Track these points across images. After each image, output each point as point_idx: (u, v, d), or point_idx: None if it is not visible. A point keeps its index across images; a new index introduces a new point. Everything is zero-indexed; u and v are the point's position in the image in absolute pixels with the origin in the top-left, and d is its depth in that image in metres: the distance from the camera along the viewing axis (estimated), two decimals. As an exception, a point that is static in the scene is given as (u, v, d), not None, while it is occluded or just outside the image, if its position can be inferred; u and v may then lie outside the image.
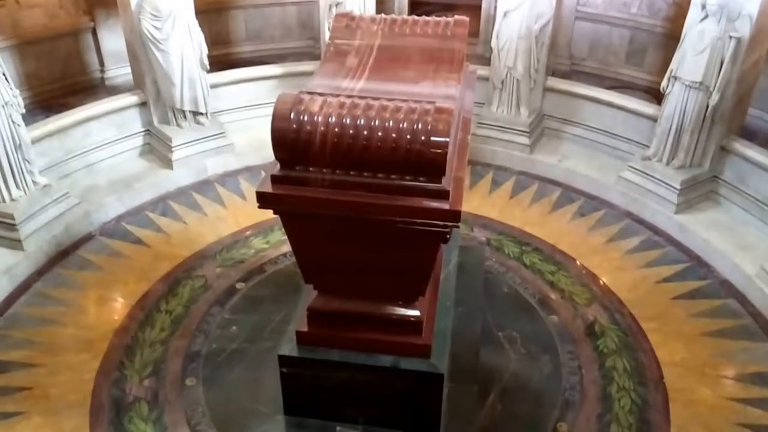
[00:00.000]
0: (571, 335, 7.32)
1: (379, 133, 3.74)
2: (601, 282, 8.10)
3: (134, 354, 6.94)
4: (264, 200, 3.98)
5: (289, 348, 4.93)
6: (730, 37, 8.14)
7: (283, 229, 4.23)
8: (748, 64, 8.49)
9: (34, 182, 8.24)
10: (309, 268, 4.55)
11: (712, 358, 7.08)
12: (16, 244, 7.99)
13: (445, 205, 3.84)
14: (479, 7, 12.71)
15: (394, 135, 3.72)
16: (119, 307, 7.59)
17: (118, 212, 9.04)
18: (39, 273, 8.03)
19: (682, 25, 8.64)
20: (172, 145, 9.58)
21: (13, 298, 7.67)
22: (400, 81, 4.57)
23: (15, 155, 7.89)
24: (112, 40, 11.40)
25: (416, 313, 4.69)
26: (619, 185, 9.48)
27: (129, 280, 7.92)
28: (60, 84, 11.11)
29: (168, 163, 9.64)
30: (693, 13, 8.43)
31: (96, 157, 9.55)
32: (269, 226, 8.60)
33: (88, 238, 8.62)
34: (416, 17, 5.50)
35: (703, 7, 8.20)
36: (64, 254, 8.34)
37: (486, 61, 10.38)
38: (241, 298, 7.68)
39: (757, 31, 8.21)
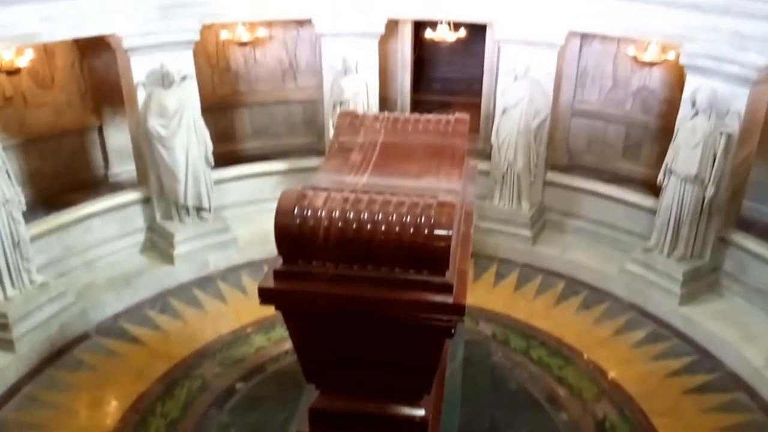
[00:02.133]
0: (582, 433, 7.16)
1: (383, 227, 3.72)
2: (610, 376, 8.01)
3: (127, 461, 6.76)
4: (266, 296, 3.92)
5: (291, 450, 4.79)
6: (721, 133, 8.32)
7: (284, 326, 4.16)
8: (740, 158, 8.66)
9: (30, 280, 8.20)
10: (311, 366, 4.45)
11: (725, 456, 6.92)
12: (8, 345, 7.89)
13: (449, 299, 3.78)
14: (479, 104, 12.95)
15: (397, 228, 3.70)
16: (112, 410, 7.42)
17: (116, 310, 8.97)
18: (30, 375, 7.88)
19: (675, 121, 8.85)
20: (175, 240, 9.60)
21: (1, 402, 7.49)
22: (403, 176, 4.58)
23: (13, 253, 7.88)
24: (118, 138, 11.55)
25: (421, 412, 4.55)
26: (623, 277, 9.48)
27: (124, 381, 7.77)
28: (63, 181, 11.18)
29: (169, 259, 9.63)
30: (684, 110, 8.66)
31: (96, 254, 9.54)
32: (271, 323, 8.50)
33: (83, 337, 8.51)
34: (418, 115, 5.56)
35: (693, 104, 8.42)
36: (58, 355, 8.21)
37: (486, 156, 10.52)
38: (240, 399, 7.54)
39: (746, 127, 8.41)
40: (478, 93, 13.14)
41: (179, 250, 9.63)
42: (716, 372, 8.12)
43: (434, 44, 15.36)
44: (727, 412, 7.49)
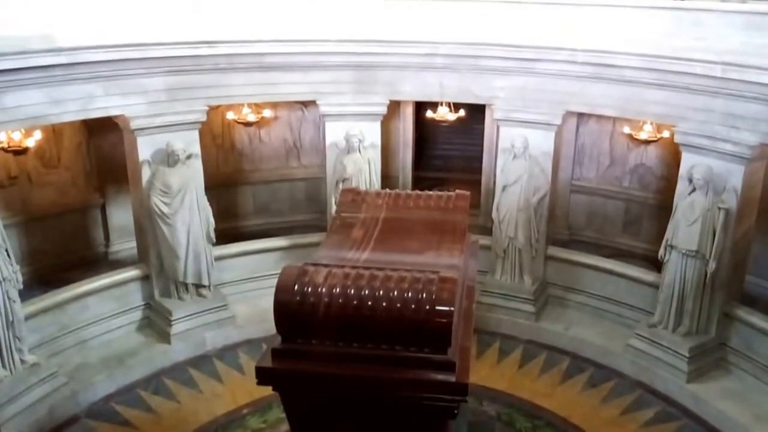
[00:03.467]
0: None
1: (384, 303, 3.69)
2: (620, 459, 7.78)
3: None
4: (264, 376, 3.86)
5: None
6: (719, 209, 8.36)
7: (281, 407, 4.08)
8: (739, 233, 8.69)
9: (22, 360, 8.06)
10: (309, 449, 4.35)
11: None
12: (-7, 430, 7.69)
13: (452, 378, 3.73)
14: (479, 181, 13.05)
15: (398, 304, 3.68)
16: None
17: (108, 391, 8.77)
18: (14, 462, 7.64)
19: (673, 197, 8.92)
20: (172, 318, 9.51)
21: (-20, 495, 7.28)
22: (405, 252, 4.59)
23: (6, 333, 7.78)
24: (120, 215, 11.61)
25: (425, 496, 4.44)
26: (628, 353, 9.37)
27: (110, 469, 7.56)
28: (63, 259, 11.19)
29: (166, 338, 9.53)
30: (681, 187, 8.74)
31: (91, 333, 9.43)
32: (267, 403, 8.30)
33: (73, 420, 8.28)
34: (419, 192, 5.60)
35: (690, 180, 8.48)
36: (45, 439, 7.97)
37: (487, 231, 10.54)
38: (234, 484, 7.32)
39: (744, 202, 8.48)
40: (478, 170, 13.28)
41: (176, 328, 9.53)
42: (727, 452, 7.94)
43: (435, 123, 15.56)
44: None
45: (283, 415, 4.11)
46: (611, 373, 9.32)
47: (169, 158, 9.03)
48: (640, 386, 9.05)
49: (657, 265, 9.51)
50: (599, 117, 11.78)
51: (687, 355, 8.80)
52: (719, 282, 8.73)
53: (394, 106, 12.25)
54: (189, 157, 9.14)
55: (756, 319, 8.84)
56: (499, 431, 8.07)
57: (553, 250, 10.73)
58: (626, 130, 11.49)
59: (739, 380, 8.89)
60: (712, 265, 8.52)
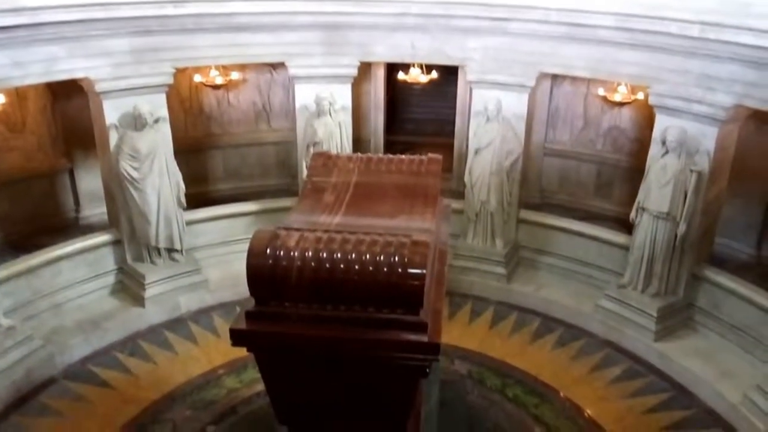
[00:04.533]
0: (559, 472, 7.11)
1: (356, 267, 3.70)
2: (587, 414, 7.99)
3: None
4: (238, 337, 3.87)
5: (263, 494, 4.68)
6: (691, 171, 8.43)
7: (256, 367, 4.11)
8: (710, 196, 8.77)
9: (-3, 323, 8.03)
10: (284, 408, 4.38)
11: (703, 492, 6.90)
12: (-30, 393, 7.69)
13: (424, 338, 3.76)
14: (451, 145, 13.05)
15: (371, 268, 3.69)
16: (80, 457, 7.24)
17: (85, 354, 8.80)
18: (-7, 423, 7.66)
19: (645, 159, 8.97)
20: (146, 282, 9.50)
21: (-35, 450, 7.30)
22: (377, 216, 4.59)
23: (-21, 298, 7.74)
24: (89, 181, 11.49)
25: (397, 453, 4.51)
26: (597, 314, 9.52)
27: (91, 427, 7.60)
28: (33, 224, 11.06)
29: (140, 301, 9.52)
30: (654, 149, 8.78)
31: (65, 297, 9.40)
32: (243, 364, 8.39)
33: (50, 382, 8.32)
34: (391, 155, 5.59)
35: (663, 143, 8.52)
36: (23, 400, 8.00)
37: (460, 195, 10.57)
38: (211, 442, 7.39)
39: (716, 165, 8.54)
40: (451, 133, 13.27)
41: (150, 292, 9.52)
42: (693, 408, 8.13)
43: (407, 86, 15.51)
44: (704, 449, 7.48)
45: (259, 375, 4.12)
46: (580, 333, 9.48)
47: (136, 122, 8.91)
48: (608, 345, 9.22)
49: (628, 228, 9.61)
50: (573, 79, 11.79)
51: (655, 315, 8.96)
52: (689, 244, 8.85)
53: (366, 68, 12.18)
54: (157, 120, 9.04)
55: (723, 279, 9.00)
56: (470, 389, 8.17)
57: (525, 214, 10.79)
58: (600, 92, 11.51)
59: (705, 339, 9.08)
60: (682, 228, 8.63)
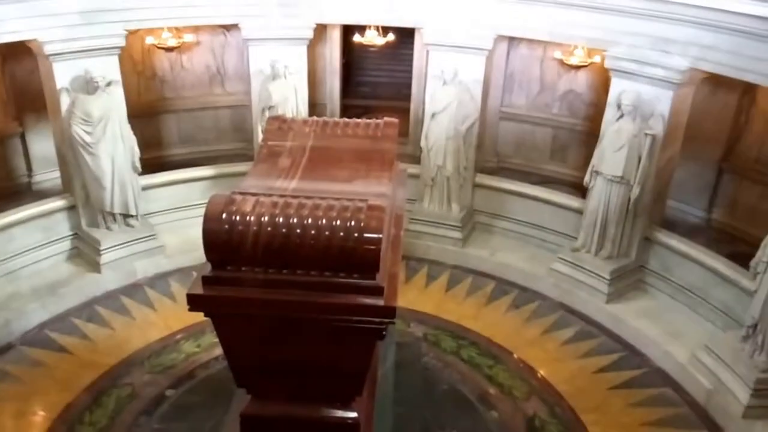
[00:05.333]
0: (512, 431, 7.27)
1: (312, 231, 3.71)
2: (539, 375, 8.14)
3: (55, 472, 6.57)
4: (195, 302, 3.86)
5: (222, 456, 4.72)
6: (646, 135, 8.52)
7: (214, 332, 4.12)
8: (664, 159, 8.89)
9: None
10: (242, 372, 4.40)
11: (652, 449, 7.09)
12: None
13: (380, 302, 3.80)
14: (408, 109, 13.02)
15: (327, 233, 3.70)
16: (39, 420, 7.21)
17: (41, 319, 8.72)
18: (-49, 389, 7.60)
19: (600, 124, 9.04)
20: (101, 248, 9.40)
21: None
22: (333, 180, 4.59)
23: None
24: (41, 145, 11.24)
25: (353, 414, 4.52)
26: (551, 277, 9.66)
27: (50, 391, 7.56)
28: (-17, 190, 10.86)
29: (96, 267, 9.44)
30: (609, 113, 8.85)
31: (19, 263, 9.27)
32: (200, 329, 8.39)
33: (7, 348, 8.25)
34: (347, 119, 5.56)
35: (619, 107, 8.60)
36: (-19, 366, 7.93)
37: (416, 159, 10.59)
38: (170, 406, 7.42)
39: (670, 129, 8.64)
40: (407, 97, 13.22)
41: (106, 257, 9.44)
42: (643, 368, 8.32)
43: (363, 49, 15.42)
44: (653, 407, 7.68)
45: (216, 339, 4.14)
46: (534, 296, 9.63)
47: (88, 85, 8.76)
48: (561, 307, 9.39)
49: (582, 192, 9.73)
50: (530, 42, 11.80)
51: (607, 277, 9.13)
52: (642, 207, 8.99)
53: (321, 30, 12.08)
54: (109, 84, 8.89)
55: (674, 241, 9.19)
56: (425, 351, 8.27)
57: (481, 178, 10.86)
58: (557, 55, 11.53)
59: (656, 300, 9.29)
60: (635, 191, 8.76)
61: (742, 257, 8.11)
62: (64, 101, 8.83)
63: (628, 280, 9.38)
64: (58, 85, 8.77)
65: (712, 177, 10.88)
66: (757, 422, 7.27)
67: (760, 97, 10.13)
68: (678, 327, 8.74)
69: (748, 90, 10.06)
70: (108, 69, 8.92)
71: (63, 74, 8.76)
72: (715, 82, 9.57)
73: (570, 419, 7.48)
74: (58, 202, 9.61)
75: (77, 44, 8.63)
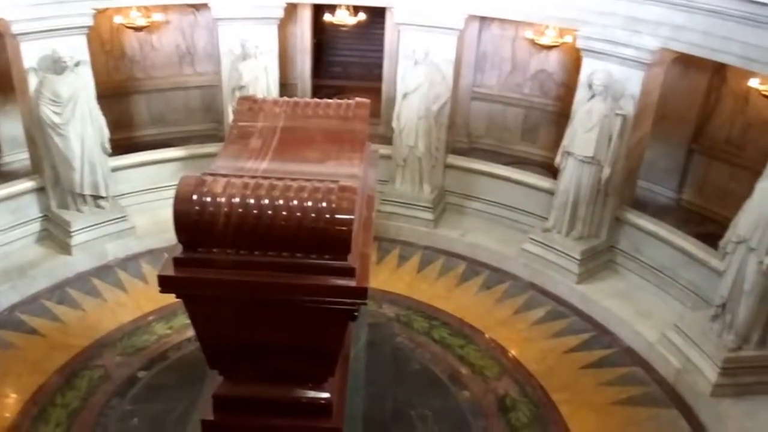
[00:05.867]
0: (483, 410, 7.34)
1: (284, 213, 3.70)
2: (510, 354, 8.20)
3: (27, 453, 6.53)
4: (166, 284, 3.86)
5: (194, 438, 4.71)
6: (617, 115, 8.57)
7: (186, 313, 4.11)
8: (634, 140, 8.94)
9: None
10: (214, 353, 4.40)
11: (622, 427, 7.22)
12: None
13: (352, 282, 3.81)
14: (379, 89, 12.98)
15: (298, 214, 3.70)
16: (11, 402, 7.17)
17: (12, 301, 8.63)
18: None
19: (572, 104, 9.07)
20: (71, 229, 9.31)
21: None
22: (304, 161, 4.58)
23: None
24: (9, 126, 11.05)
25: (326, 395, 4.56)
26: (522, 257, 9.70)
27: (21, 372, 7.51)
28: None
29: (66, 249, 9.35)
30: (580, 93, 8.87)
31: (-12, 245, 9.14)
32: (172, 311, 8.35)
33: (-23, 330, 8.17)
34: (318, 100, 5.54)
35: (590, 87, 8.61)
36: (-48, 348, 7.85)
37: (388, 140, 10.57)
38: (142, 388, 7.40)
39: (641, 109, 8.69)
40: (379, 77, 13.18)
41: (76, 239, 9.35)
42: (612, 347, 8.40)
43: (334, 28, 15.33)
44: (623, 386, 7.77)
45: (188, 321, 4.13)
46: (505, 276, 9.67)
47: (56, 65, 8.63)
48: (532, 288, 9.45)
49: (553, 172, 9.77)
50: (502, 22, 11.78)
51: (578, 257, 9.19)
52: (612, 188, 9.04)
53: (291, 10, 12.00)
54: (77, 64, 8.76)
55: (644, 222, 9.26)
56: (398, 331, 8.30)
57: (453, 159, 10.88)
58: (529, 35, 11.54)
59: (626, 280, 9.37)
60: (606, 171, 8.80)
61: (712, 237, 8.19)
62: (32, 81, 8.70)
63: (598, 261, 9.45)
64: (26, 65, 8.63)
65: (683, 157, 10.97)
66: (725, 400, 7.36)
67: (731, 77, 10.22)
68: (648, 307, 8.83)
69: (718, 70, 10.15)
70: (76, 49, 8.80)
71: (31, 54, 8.62)
72: (686, 62, 9.64)
73: (541, 398, 7.54)
74: (27, 184, 9.50)
75: (45, 23, 8.48)
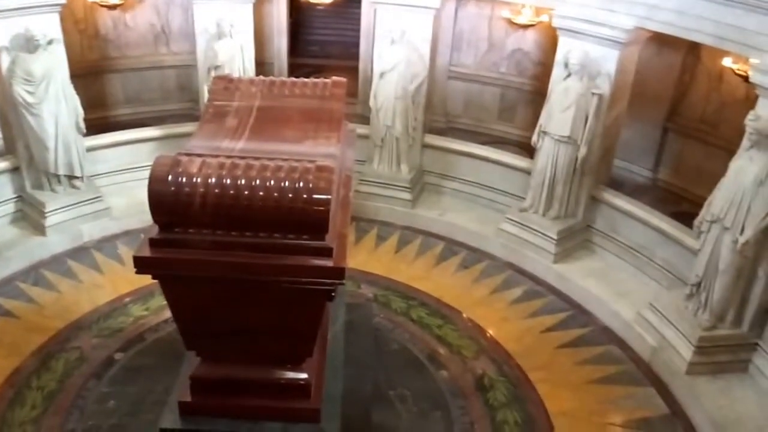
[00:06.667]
0: (461, 390, 7.37)
1: (261, 193, 3.69)
2: (488, 334, 8.23)
3: (2, 436, 6.47)
4: (142, 265, 3.84)
5: (171, 420, 4.67)
6: (593, 94, 8.58)
7: (163, 295, 4.09)
8: (610, 119, 8.96)
9: None
10: (191, 334, 4.40)
11: (599, 406, 7.27)
12: None
13: (329, 263, 3.82)
14: (357, 68, 12.91)
15: (275, 194, 3.69)
16: (-15, 385, 7.10)
17: (-15, 283, 8.52)
18: None
19: (548, 83, 9.08)
20: (46, 210, 9.20)
21: None
22: (281, 141, 4.57)
23: None
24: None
25: (304, 375, 4.58)
26: (499, 237, 9.72)
27: (-3, 355, 7.44)
28: None
29: (41, 230, 9.24)
30: (557, 72, 8.88)
31: (-40, 227, 9.02)
32: (149, 292, 8.30)
33: (-49, 312, 8.07)
34: (295, 79, 5.52)
35: (566, 65, 8.63)
36: (-75, 331, 7.74)
37: (365, 120, 10.52)
38: (119, 370, 7.36)
39: (617, 88, 8.71)
40: (356, 56, 13.10)
41: (51, 220, 9.24)
42: (589, 327, 8.45)
43: (311, 7, 15.22)
44: (599, 365, 7.82)
45: (165, 302, 4.12)
46: (483, 256, 9.69)
47: (28, 44, 8.48)
48: (509, 267, 9.47)
49: (530, 152, 9.78)
50: (478, 0, 11.77)
51: (555, 237, 9.22)
52: (589, 167, 9.06)
53: (268, -12, 11.90)
54: (50, 42, 8.60)
55: (621, 201, 9.30)
56: (376, 312, 8.30)
57: (430, 138, 10.86)
58: (505, 14, 11.49)
59: (602, 260, 9.42)
60: (582, 151, 8.82)
61: (687, 216, 8.20)
62: (4, 60, 8.55)
63: (575, 240, 9.49)
64: (-3, 44, 8.50)
65: (658, 136, 11.01)
66: (700, 378, 7.43)
67: (705, 56, 10.25)
68: (624, 286, 8.88)
69: (692, 49, 10.17)
70: (49, 27, 8.64)
71: (2, 32, 8.45)
72: (661, 41, 9.65)
73: (518, 377, 7.58)
74: (0, 164, 9.35)
75: (17, 1, 8.32)
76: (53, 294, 8.50)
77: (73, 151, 9.25)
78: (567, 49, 8.62)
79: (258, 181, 3.70)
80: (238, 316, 4.19)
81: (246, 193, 3.69)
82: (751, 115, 6.75)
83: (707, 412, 7.07)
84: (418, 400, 7.14)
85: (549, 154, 9.05)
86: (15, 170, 9.39)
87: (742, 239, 6.92)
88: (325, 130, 4.81)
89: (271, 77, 5.53)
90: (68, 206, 9.40)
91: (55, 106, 8.83)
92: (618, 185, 10.13)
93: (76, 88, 9.18)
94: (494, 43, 12.34)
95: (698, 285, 7.59)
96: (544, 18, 10.83)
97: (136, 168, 10.10)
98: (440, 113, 12.62)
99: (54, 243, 9.25)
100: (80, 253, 9.28)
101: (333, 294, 3.99)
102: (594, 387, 7.50)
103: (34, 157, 9.17)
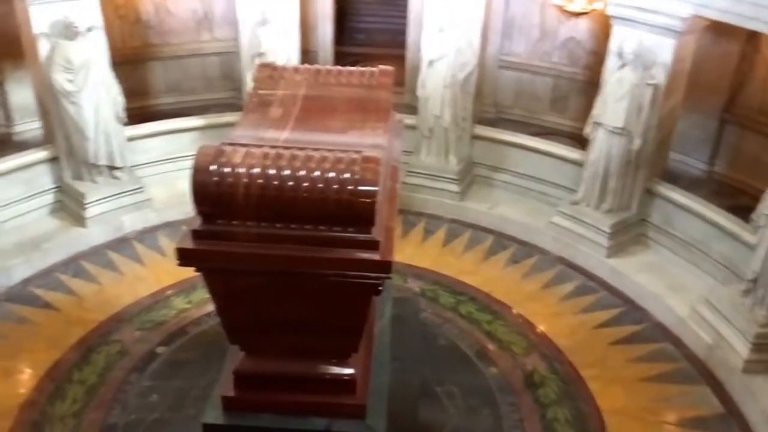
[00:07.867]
0: (511, 386, 7.24)
1: (306, 184, 3.59)
2: (539, 330, 8.09)
3: (43, 431, 6.44)
4: (184, 257, 3.74)
5: (214, 415, 4.58)
6: (648, 84, 8.35)
7: (206, 287, 3.99)
8: (666, 110, 8.72)
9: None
10: (235, 328, 4.30)
11: (652, 404, 7.10)
12: None
13: (376, 256, 3.70)
14: (404, 56, 12.76)
15: (320, 185, 3.58)
16: (26, 378, 7.09)
17: (25, 275, 8.53)
18: (-64, 346, 7.45)
19: (601, 73, 8.87)
20: (86, 201, 9.18)
21: None
22: (326, 131, 4.46)
23: None
24: (21, 93, 10.82)
25: (350, 371, 4.47)
26: (550, 230, 9.54)
27: (37, 348, 7.42)
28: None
29: (81, 221, 9.23)
30: (611, 62, 8.67)
31: (0, 217, 9.02)
32: (191, 285, 8.23)
33: (-9, 304, 8.08)
34: (341, 67, 5.42)
35: (620, 55, 8.42)
36: (-35, 324, 7.76)
37: (413, 110, 10.35)
38: (161, 364, 7.32)
39: (672, 78, 8.47)
40: (403, 44, 12.94)
41: (91, 211, 9.22)
42: (643, 323, 8.27)
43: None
44: (653, 362, 7.65)
45: (208, 295, 4.04)
46: (533, 250, 9.52)
47: (68, 31, 8.44)
48: (561, 262, 9.29)
49: (583, 143, 9.58)
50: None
51: (608, 231, 9.00)
52: (643, 159, 8.83)
53: (313, -25, 11.78)
54: (90, 29, 8.59)
55: (677, 195, 9.05)
56: (423, 306, 8.19)
57: (480, 129, 10.68)
58: (558, 1, 11.25)
59: (657, 254, 9.19)
60: (637, 143, 8.60)
61: (744, 210, 8.04)
62: (43, 47, 8.52)
63: (628, 234, 9.26)
64: (35, 31, 8.44)
65: (715, 128, 10.66)
66: (757, 376, 7.23)
67: (764, 46, 9.90)
68: (679, 281, 8.67)
69: (751, 38, 9.84)
70: (88, 13, 8.61)
71: (41, 19, 8.41)
72: (718, 30, 9.33)
73: (569, 374, 7.44)
74: (39, 154, 9.35)
75: (55, -13, 8.31)
76: (94, 286, 8.49)
77: (114, 141, 9.24)
78: (621, 38, 8.43)
79: (303, 172, 3.60)
80: (283, 310, 4.09)
81: (291, 184, 3.60)
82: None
83: (764, 410, 6.88)
84: (467, 396, 7.04)
85: (602, 145, 8.84)
86: (54, 160, 9.38)
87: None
88: (372, 120, 4.70)
89: (317, 65, 5.45)
90: (109, 197, 9.37)
91: (95, 94, 8.80)
92: (673, 178, 9.86)
93: (117, 76, 9.16)
94: (546, 31, 12.05)
95: (755, 281, 7.39)
96: (598, 5, 10.55)
97: (177, 158, 10.08)
98: (490, 103, 12.41)
99: (94, 234, 9.23)
100: (121, 244, 9.26)
101: (380, 288, 3.88)
102: (647, 384, 7.35)
103: (74, 147, 9.15)
